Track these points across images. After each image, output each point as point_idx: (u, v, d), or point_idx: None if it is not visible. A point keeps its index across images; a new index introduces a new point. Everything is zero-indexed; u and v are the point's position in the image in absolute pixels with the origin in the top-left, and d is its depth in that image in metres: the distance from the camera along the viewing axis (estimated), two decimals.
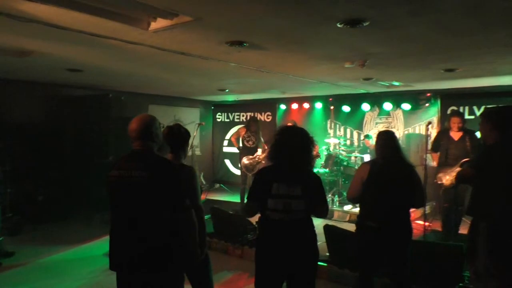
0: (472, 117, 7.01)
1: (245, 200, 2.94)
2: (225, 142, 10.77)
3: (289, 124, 6.78)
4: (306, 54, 4.68)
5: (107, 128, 7.94)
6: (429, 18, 3.27)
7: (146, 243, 2.42)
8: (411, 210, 3.67)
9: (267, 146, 5.54)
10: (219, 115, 11.03)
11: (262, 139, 7.82)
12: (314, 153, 7.14)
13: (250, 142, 7.75)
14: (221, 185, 10.44)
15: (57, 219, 7.21)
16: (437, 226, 6.47)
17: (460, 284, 3.91)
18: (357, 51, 4.48)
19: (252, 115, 10.12)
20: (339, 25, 3.39)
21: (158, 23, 3.58)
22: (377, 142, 3.47)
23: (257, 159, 7.48)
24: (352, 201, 3.80)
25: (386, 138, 3.43)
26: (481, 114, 3.69)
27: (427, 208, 6.74)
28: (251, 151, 7.65)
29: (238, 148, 7.91)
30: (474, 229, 3.30)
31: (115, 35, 3.90)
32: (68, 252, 5.73)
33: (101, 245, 6.05)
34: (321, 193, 2.81)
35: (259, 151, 7.71)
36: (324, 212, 2.83)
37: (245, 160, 7.54)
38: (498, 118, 3.23)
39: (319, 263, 4.81)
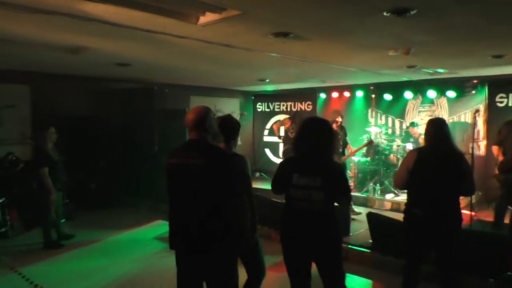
0: None
1: None
2: (266, 132, 10.90)
3: (338, 117, 6.85)
4: (350, 44, 4.69)
5: (152, 119, 8.29)
6: (476, 6, 3.23)
7: (202, 227, 2.58)
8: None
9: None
10: (259, 105, 11.16)
11: None
12: (349, 150, 7.09)
13: (294, 134, 7.83)
14: (262, 173, 10.61)
15: (108, 206, 7.67)
16: (483, 216, 6.34)
17: (509, 273, 3.87)
18: (402, 40, 4.45)
19: (293, 104, 10.20)
20: (385, 14, 3.40)
21: (207, 17, 3.72)
22: (426, 130, 3.47)
23: None
24: (399, 188, 3.83)
25: (436, 126, 3.41)
26: None
27: (473, 198, 6.61)
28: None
29: (279, 137, 8.03)
30: None
31: (166, 30, 4.09)
32: (121, 236, 6.10)
33: (150, 229, 6.40)
34: (343, 183, 2.84)
35: None
36: (346, 200, 2.94)
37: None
38: None
39: (362, 249, 4.94)
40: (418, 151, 3.52)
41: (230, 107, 10.61)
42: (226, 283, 2.70)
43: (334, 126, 6.88)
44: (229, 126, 3.13)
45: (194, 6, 3.52)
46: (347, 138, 7.17)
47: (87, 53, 5.36)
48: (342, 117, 7.06)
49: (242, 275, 3.02)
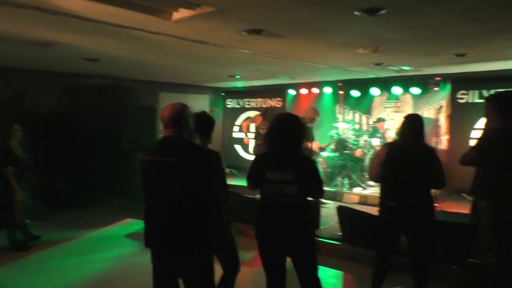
0: (481, 101, 7.10)
1: None
2: (236, 128, 10.92)
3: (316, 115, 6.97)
4: (323, 42, 4.79)
5: (121, 115, 8.14)
6: (447, 7, 3.37)
7: (180, 224, 2.58)
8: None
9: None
10: (229, 101, 11.15)
11: None
12: (314, 147, 7.19)
13: (265, 130, 7.92)
14: (232, 170, 10.62)
15: (77, 205, 7.47)
16: (445, 206, 6.63)
17: (469, 260, 4.09)
18: (372, 38, 4.59)
19: (263, 101, 10.27)
20: (357, 13, 3.50)
21: (180, 13, 3.70)
22: (401, 125, 3.61)
23: None
24: (374, 180, 3.98)
25: (409, 121, 3.56)
26: (485, 98, 3.85)
27: (436, 190, 6.91)
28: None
29: (246, 134, 8.11)
30: (475, 208, 3.50)
31: (138, 25, 4.03)
32: (91, 235, 5.98)
33: (121, 228, 6.31)
34: (315, 176, 2.90)
35: None
36: (319, 193, 3.00)
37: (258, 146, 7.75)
38: (502, 103, 3.38)
39: (332, 241, 5.07)
40: (390, 145, 3.67)
41: (200, 103, 10.55)
42: (204, 279, 2.71)
43: (311, 122, 7.04)
44: (205, 122, 3.14)
45: (168, 2, 3.51)
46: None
47: (55, 48, 5.20)
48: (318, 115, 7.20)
49: (217, 271, 3.05)
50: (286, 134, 2.88)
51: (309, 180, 2.85)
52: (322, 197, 3.03)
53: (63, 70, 7.53)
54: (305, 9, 3.47)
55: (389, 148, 3.57)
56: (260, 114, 8.28)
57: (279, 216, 2.89)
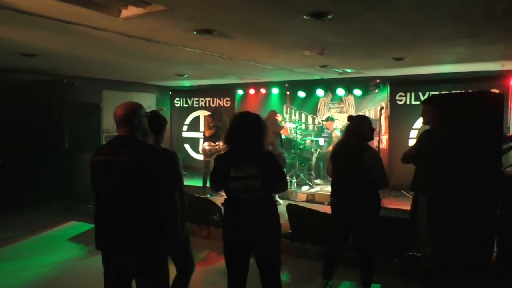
0: (417, 102, 7.56)
1: (207, 184, 3.14)
2: (185, 127, 10.79)
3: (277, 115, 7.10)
4: (272, 43, 4.90)
5: (62, 114, 7.76)
6: (385, 14, 3.61)
7: (132, 224, 2.54)
8: None
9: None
10: (177, 100, 10.99)
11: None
12: (283, 132, 7.32)
13: (214, 130, 7.94)
14: (186, 172, 10.51)
15: (11, 207, 7.00)
16: (386, 203, 6.98)
17: (410, 253, 4.37)
18: (318, 41, 4.76)
19: (211, 100, 10.25)
20: (305, 17, 3.63)
21: (130, 11, 3.63)
22: (346, 125, 3.80)
23: (217, 147, 7.65)
24: (330, 177, 4.12)
25: (350, 122, 3.74)
26: (424, 100, 4.16)
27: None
28: (214, 138, 7.84)
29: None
30: (415, 203, 3.77)
31: (84, 21, 3.89)
32: (31, 239, 5.65)
33: (63, 231, 6.02)
34: (277, 169, 2.99)
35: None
36: (283, 186, 3.06)
37: (206, 146, 7.71)
38: (439, 105, 3.68)
39: (284, 239, 5.18)
40: (336, 144, 3.85)
41: (146, 102, 10.27)
42: (157, 280, 2.69)
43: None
44: (156, 122, 3.11)
45: None
46: None
47: None
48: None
49: (172, 271, 3.04)
50: (248, 131, 2.95)
51: (272, 174, 2.94)
52: (286, 188, 3.10)
53: None
54: (254, 10, 3.54)
55: (334, 147, 3.76)
56: (209, 115, 8.27)
57: (248, 211, 2.93)
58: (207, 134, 7.97)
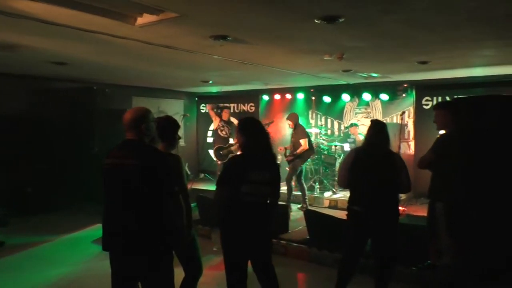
0: None
1: None
2: (209, 133, 10.93)
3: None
4: (287, 48, 4.89)
5: (92, 119, 8.05)
6: (401, 16, 3.51)
7: (138, 226, 2.59)
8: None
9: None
10: (203, 106, 11.17)
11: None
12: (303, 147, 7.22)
13: (224, 132, 8.03)
14: (206, 174, 10.62)
15: (46, 211, 7.32)
16: (412, 210, 6.80)
17: (429, 262, 4.22)
18: (335, 46, 4.71)
19: (236, 106, 10.34)
20: (317, 21, 3.60)
21: (145, 19, 3.74)
22: (367, 130, 3.73)
23: (231, 148, 7.75)
24: (342, 187, 4.08)
25: (375, 127, 3.66)
26: (435, 105, 4.03)
27: (403, 194, 7.07)
28: (224, 140, 7.94)
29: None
30: (432, 210, 3.62)
31: (102, 29, 4.04)
32: (58, 241, 5.88)
33: (89, 233, 6.22)
34: (279, 178, 3.19)
35: (231, 140, 7.99)
36: (279, 194, 3.23)
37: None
38: (454, 109, 3.55)
39: (300, 245, 5.16)
40: (356, 151, 3.77)
41: (174, 108, 10.54)
42: (162, 282, 2.73)
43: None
44: (166, 127, 3.18)
45: (131, 7, 3.53)
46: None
47: (20, 51, 5.14)
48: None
49: (179, 274, 3.08)
50: (265, 137, 3.13)
51: (277, 181, 3.12)
52: (278, 197, 3.21)
53: (33, 73, 7.42)
54: (265, 16, 3.56)
55: (356, 153, 3.66)
56: (215, 116, 8.37)
57: (254, 214, 3.03)
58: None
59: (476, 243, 3.55)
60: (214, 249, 4.91)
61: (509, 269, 3.33)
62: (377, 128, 3.66)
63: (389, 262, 3.62)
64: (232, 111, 10.46)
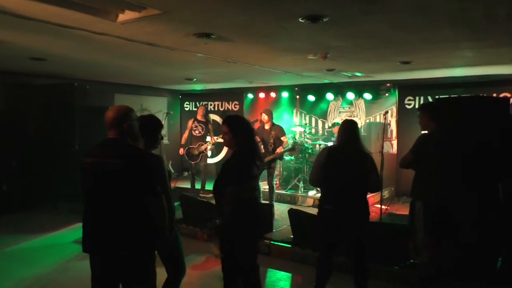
0: None
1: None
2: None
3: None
4: (271, 47, 4.87)
5: (72, 117, 7.88)
6: (380, 17, 3.53)
7: (119, 227, 2.55)
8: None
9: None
10: (187, 104, 11.08)
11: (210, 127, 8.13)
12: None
13: (197, 132, 8.05)
14: (189, 173, 10.54)
15: (22, 209, 7.16)
16: (394, 209, 6.89)
17: (411, 260, 4.26)
18: (319, 45, 4.71)
19: (220, 104, 10.31)
20: (301, 20, 3.59)
21: (126, 15, 3.66)
22: (338, 129, 3.72)
23: (202, 148, 7.80)
24: (313, 184, 4.09)
25: (347, 126, 3.65)
26: (419, 107, 4.10)
27: (385, 193, 7.16)
28: (199, 139, 7.97)
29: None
30: (412, 209, 3.68)
31: (83, 25, 3.95)
32: (36, 241, 5.75)
33: (70, 232, 6.11)
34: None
35: (208, 138, 8.01)
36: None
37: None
38: (434, 110, 3.62)
39: (283, 244, 5.17)
40: (329, 149, 3.75)
41: (157, 105, 10.43)
42: (143, 282, 2.69)
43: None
44: (148, 126, 3.12)
45: (112, 3, 3.46)
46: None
47: None
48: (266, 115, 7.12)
49: (162, 274, 3.03)
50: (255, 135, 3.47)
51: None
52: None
53: (10, 69, 7.22)
54: (249, 14, 3.52)
55: (328, 152, 3.66)
56: (191, 118, 8.44)
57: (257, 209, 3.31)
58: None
59: (452, 241, 3.63)
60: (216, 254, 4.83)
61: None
62: (349, 127, 3.65)
63: (365, 260, 3.62)
64: (216, 109, 10.42)
